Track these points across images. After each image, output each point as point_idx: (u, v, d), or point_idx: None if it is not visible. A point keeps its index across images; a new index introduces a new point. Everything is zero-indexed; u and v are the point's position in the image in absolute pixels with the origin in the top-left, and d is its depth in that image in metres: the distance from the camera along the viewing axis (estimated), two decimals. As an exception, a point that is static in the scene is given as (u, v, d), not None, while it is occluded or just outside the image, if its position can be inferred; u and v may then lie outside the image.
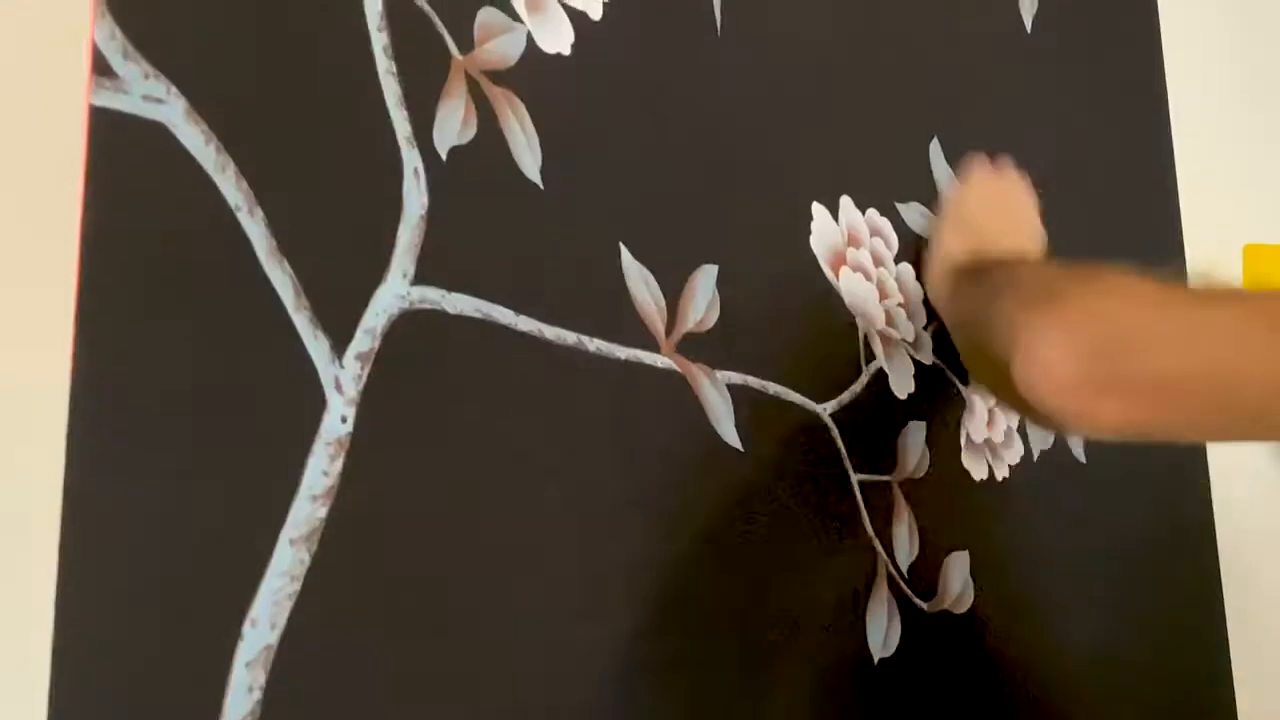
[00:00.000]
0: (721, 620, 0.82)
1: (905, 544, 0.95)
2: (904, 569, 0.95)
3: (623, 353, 0.79)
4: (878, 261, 0.97)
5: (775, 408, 0.88)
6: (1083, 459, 1.13)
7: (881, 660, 0.91)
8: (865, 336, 0.95)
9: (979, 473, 1.02)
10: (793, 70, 0.94)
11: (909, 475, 0.96)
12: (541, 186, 0.76)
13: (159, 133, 0.60)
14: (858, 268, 0.95)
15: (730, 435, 0.84)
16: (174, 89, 0.61)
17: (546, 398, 0.75)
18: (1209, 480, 1.27)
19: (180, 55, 0.61)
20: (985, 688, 0.98)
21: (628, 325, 0.80)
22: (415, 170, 0.70)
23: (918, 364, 0.99)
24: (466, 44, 0.74)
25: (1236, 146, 1.41)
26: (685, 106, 0.86)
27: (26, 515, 0.55)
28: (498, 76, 0.75)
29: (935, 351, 1.01)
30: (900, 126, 1.03)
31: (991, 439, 1.04)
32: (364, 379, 0.66)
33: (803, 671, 0.86)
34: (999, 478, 1.04)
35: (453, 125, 0.72)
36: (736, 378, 0.85)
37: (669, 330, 0.82)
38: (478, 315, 0.72)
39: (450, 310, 0.71)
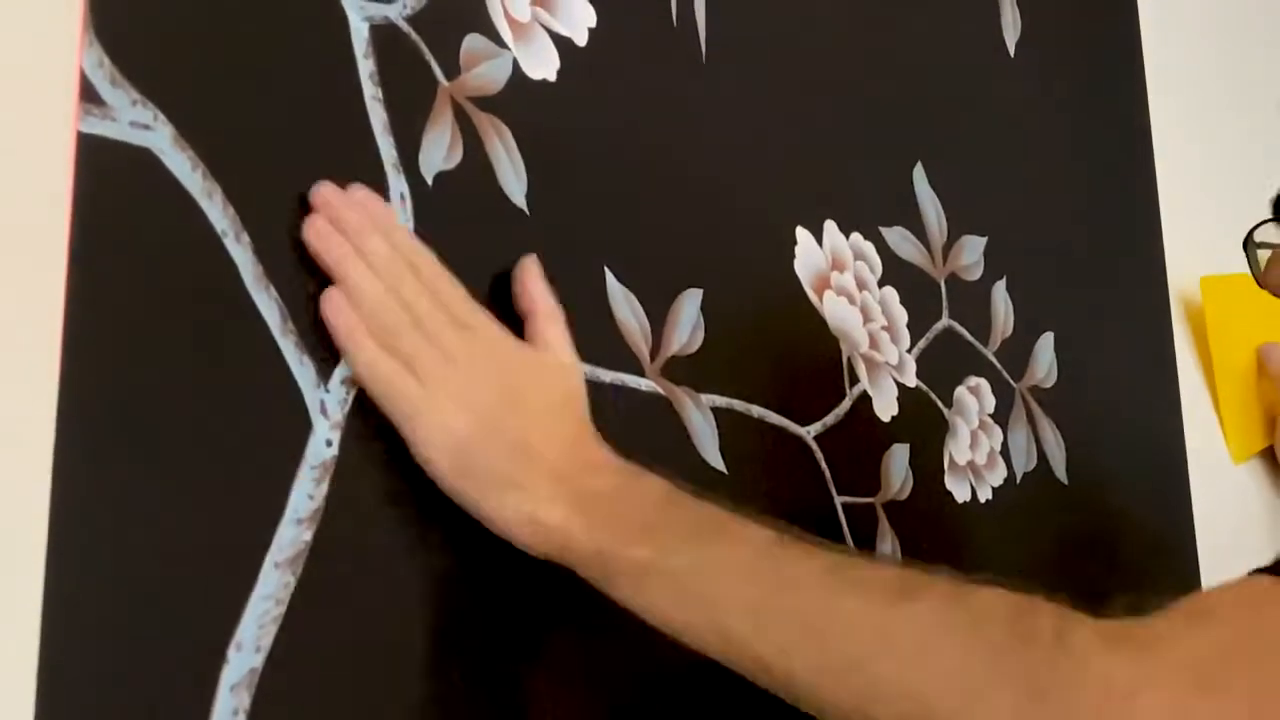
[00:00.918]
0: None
1: (889, 565, 0.95)
2: (887, 591, 0.95)
3: (607, 376, 0.79)
4: (861, 285, 0.98)
5: (759, 430, 0.88)
6: (1065, 480, 1.13)
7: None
8: (849, 359, 0.96)
9: (962, 494, 1.02)
10: (777, 96, 0.95)
11: (892, 497, 0.96)
12: (527, 211, 0.76)
13: (146, 159, 0.60)
14: (841, 291, 0.96)
15: (714, 458, 0.84)
16: (161, 115, 0.61)
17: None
18: (1190, 501, 1.28)
19: (167, 82, 0.62)
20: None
21: (612, 348, 0.80)
22: (401, 195, 0.70)
23: (901, 386, 0.99)
24: (453, 70, 0.74)
25: (1219, 171, 1.42)
26: (669, 132, 0.86)
27: (12, 539, 0.55)
28: (484, 102, 0.75)
29: (919, 374, 1.01)
30: (884, 151, 1.03)
31: (975, 461, 1.05)
32: (349, 403, 0.66)
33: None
34: (982, 499, 1.04)
35: (439, 151, 0.72)
36: (721, 401, 0.86)
37: (654, 354, 0.82)
38: (463, 339, 0.72)
39: (436, 334, 0.71)
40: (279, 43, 0.67)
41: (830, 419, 0.93)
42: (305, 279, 0.65)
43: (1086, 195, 1.24)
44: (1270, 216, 0.97)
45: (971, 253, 1.09)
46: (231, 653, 0.60)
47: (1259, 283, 1.00)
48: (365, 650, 0.66)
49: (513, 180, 0.76)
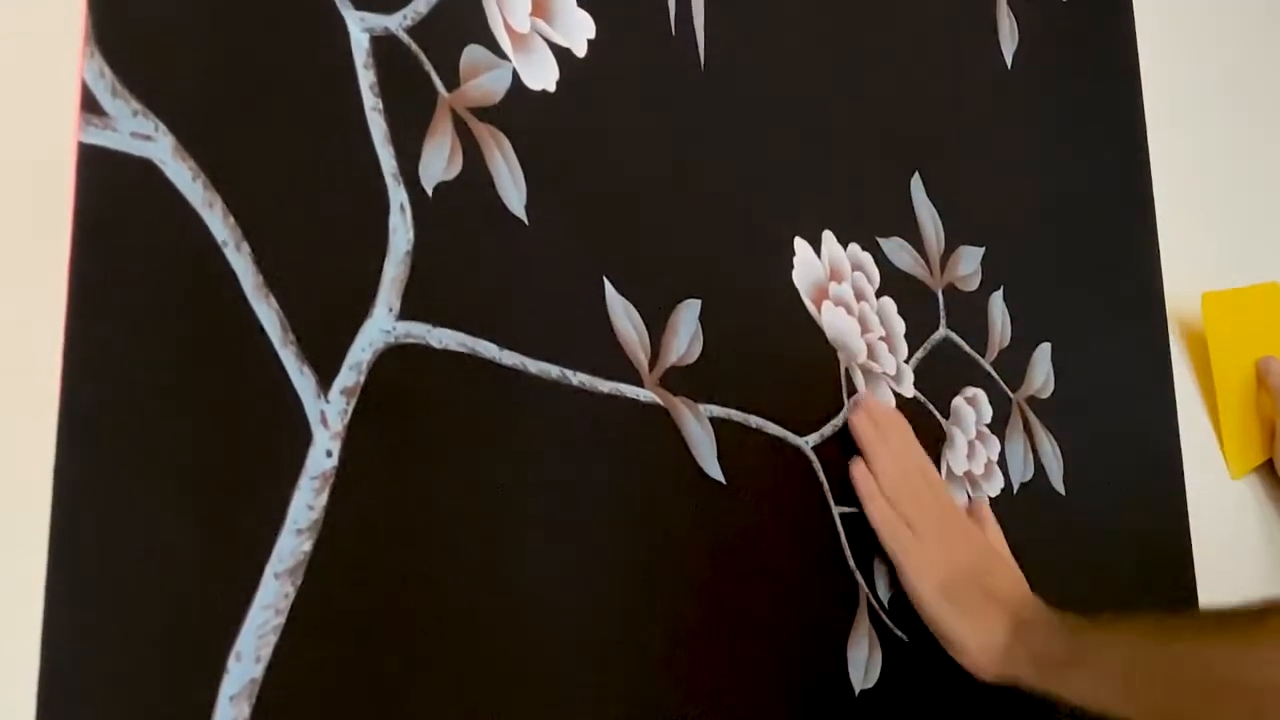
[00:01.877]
0: (703, 652, 0.82)
1: (886, 575, 0.95)
2: (885, 600, 0.95)
3: (606, 386, 0.79)
4: (859, 295, 0.98)
5: (757, 440, 0.88)
6: (1062, 491, 1.13)
7: (862, 692, 0.91)
8: (847, 369, 0.96)
9: (960, 504, 1.02)
10: (775, 106, 0.95)
11: (890, 507, 0.96)
12: (526, 221, 0.76)
13: (147, 169, 0.60)
14: (839, 302, 0.96)
15: (713, 468, 0.84)
16: (162, 126, 0.61)
17: (530, 431, 0.75)
18: (1187, 513, 1.28)
19: (168, 93, 0.62)
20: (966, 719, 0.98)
21: (611, 359, 0.80)
22: (401, 206, 0.70)
23: (899, 397, 0.99)
24: (452, 81, 0.74)
25: (1217, 185, 1.42)
26: (668, 142, 0.86)
27: (13, 548, 0.55)
28: (483, 113, 0.75)
29: (916, 385, 1.01)
30: (882, 162, 1.03)
31: (972, 471, 1.05)
32: (349, 413, 0.66)
33: (783, 703, 0.86)
34: (979, 510, 1.04)
35: (439, 161, 0.72)
36: (719, 411, 0.85)
37: (652, 364, 0.82)
38: (462, 349, 0.72)
39: (435, 344, 0.71)
40: (280, 54, 0.67)
41: (828, 429, 0.93)
42: (305, 289, 0.65)
43: (1083, 206, 1.24)
44: None
45: (969, 263, 1.09)
46: (231, 663, 0.60)
47: None
48: (364, 661, 0.65)
49: (512, 190, 0.76)
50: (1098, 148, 1.28)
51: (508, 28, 0.77)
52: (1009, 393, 1.11)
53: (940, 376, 1.04)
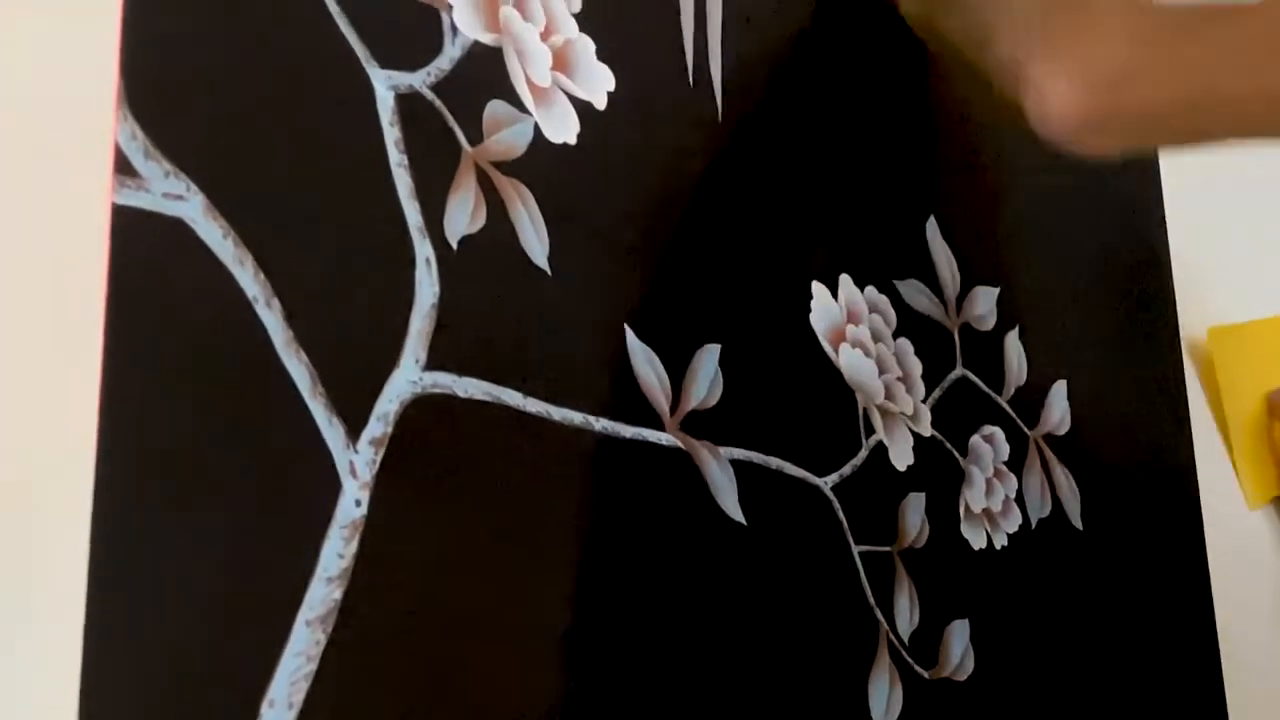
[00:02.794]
0: (725, 691, 0.82)
1: (906, 613, 0.96)
2: (905, 637, 0.95)
3: (628, 431, 0.80)
4: (877, 337, 0.98)
5: (777, 482, 0.89)
6: (1080, 526, 1.14)
7: (884, 729, 0.92)
8: (865, 410, 0.96)
9: (978, 542, 1.03)
10: (791, 154, 0.95)
11: (909, 545, 0.97)
12: (549, 271, 0.77)
13: (179, 228, 0.61)
14: (857, 343, 0.96)
15: (734, 510, 0.85)
16: (193, 186, 0.62)
17: (554, 477, 0.76)
18: (1205, 546, 1.28)
19: (199, 153, 0.63)
20: (986, 754, 0.99)
21: (633, 405, 0.81)
22: (427, 259, 0.71)
23: (917, 437, 1.00)
24: (476, 136, 0.75)
25: (1230, 219, 1.42)
26: (687, 191, 0.87)
27: (48, 601, 0.56)
28: (506, 167, 0.76)
29: (934, 424, 1.01)
30: (897, 206, 1.04)
31: (990, 508, 1.05)
32: (377, 463, 0.67)
33: (807, 741, 0.87)
34: (998, 546, 1.05)
35: (463, 215, 0.73)
36: (740, 453, 0.86)
37: (674, 408, 0.83)
38: (487, 398, 0.73)
39: (461, 394, 0.72)
40: (307, 113, 0.68)
41: (847, 469, 0.94)
42: (334, 342, 0.66)
43: (1097, 244, 1.25)
44: None
45: (984, 303, 1.09)
46: (265, 710, 0.61)
47: None
48: (395, 707, 0.66)
49: (535, 242, 0.77)
50: (1110, 186, 1.29)
51: (529, 83, 0.78)
52: (1026, 430, 1.11)
53: (958, 415, 1.04)
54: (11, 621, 0.55)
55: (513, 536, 0.73)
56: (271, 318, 0.64)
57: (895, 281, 1.01)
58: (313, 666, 0.63)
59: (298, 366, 0.65)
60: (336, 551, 0.65)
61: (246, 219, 0.64)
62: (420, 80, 0.73)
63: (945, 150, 1.10)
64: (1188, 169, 1.36)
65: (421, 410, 0.70)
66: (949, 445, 1.03)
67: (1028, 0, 0.76)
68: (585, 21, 0.82)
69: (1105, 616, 1.13)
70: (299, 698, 0.62)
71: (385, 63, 0.71)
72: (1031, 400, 1.13)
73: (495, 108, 0.76)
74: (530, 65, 0.78)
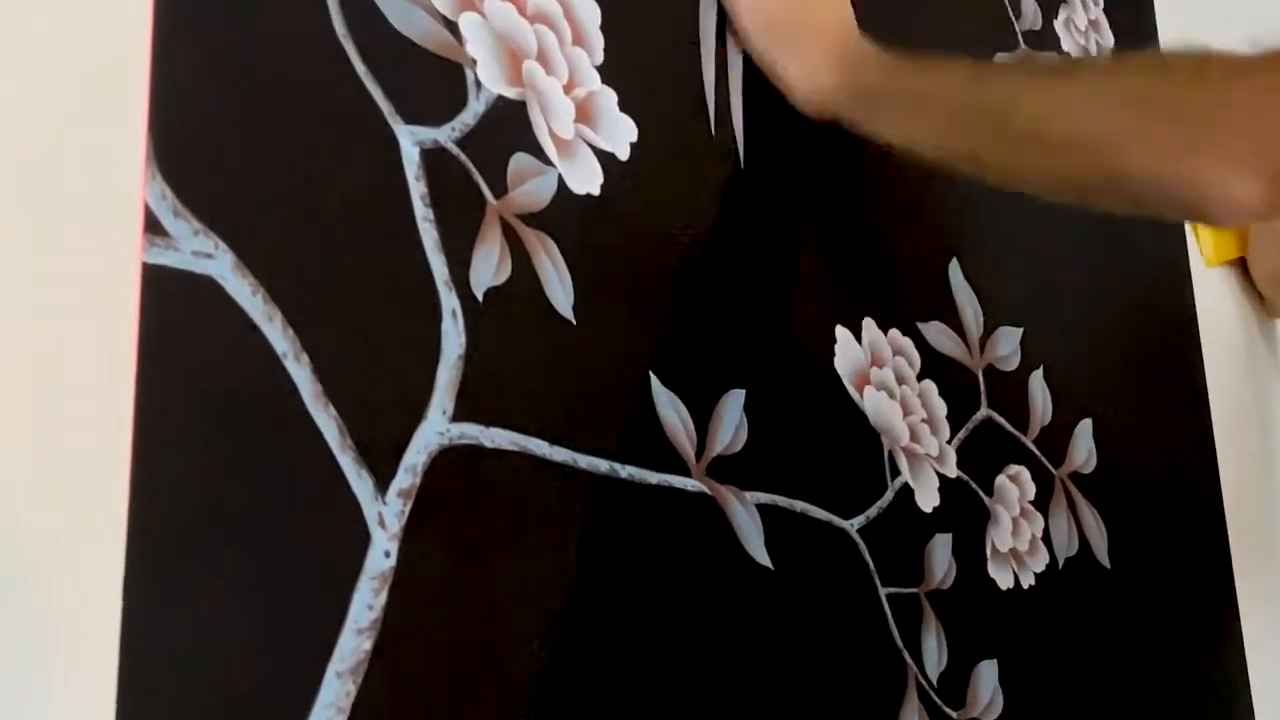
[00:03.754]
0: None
1: (934, 654, 0.95)
2: (933, 679, 0.95)
3: (654, 478, 0.80)
4: (900, 379, 0.98)
5: (804, 526, 0.89)
6: (1107, 564, 1.13)
7: (913, 770, 0.91)
8: (890, 453, 0.96)
9: (1005, 582, 1.02)
10: (814, 197, 0.96)
11: (936, 586, 0.97)
12: (574, 321, 0.77)
13: (208, 286, 0.62)
14: (881, 386, 0.96)
15: (760, 554, 0.85)
16: (222, 244, 0.62)
17: (581, 525, 0.76)
18: (1234, 583, 1.27)
19: (228, 211, 0.63)
20: (1016, 794, 0.98)
21: (659, 451, 0.81)
22: (453, 311, 0.71)
23: (943, 478, 1.00)
24: (500, 188, 0.75)
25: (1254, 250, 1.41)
26: (710, 238, 0.87)
27: (84, 650, 0.56)
28: (531, 218, 0.76)
29: (959, 464, 1.01)
30: (920, 248, 1.04)
31: (1017, 548, 1.05)
32: (406, 514, 0.67)
33: (836, 784, 0.86)
34: (1025, 586, 1.04)
35: (488, 267, 0.74)
36: (765, 498, 0.86)
37: (699, 454, 0.83)
38: (514, 448, 0.73)
39: (488, 444, 0.72)
40: (334, 170, 0.68)
41: (873, 511, 0.94)
42: (362, 395, 0.67)
43: (1121, 283, 1.25)
44: None
45: (1008, 344, 1.09)
46: (296, 761, 0.61)
47: None
48: (425, 756, 0.66)
49: (559, 292, 0.77)
50: (1132, 224, 1.29)
51: (553, 135, 0.78)
52: (1051, 469, 1.11)
53: (983, 456, 1.04)
54: (45, 672, 0.56)
55: (541, 585, 0.73)
56: (301, 372, 0.64)
57: (919, 324, 1.01)
58: (344, 718, 0.63)
59: (326, 420, 0.65)
60: (366, 603, 0.65)
61: (275, 275, 0.64)
62: (445, 135, 0.73)
63: (968, 191, 1.10)
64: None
65: (449, 461, 0.70)
66: (975, 485, 1.03)
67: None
68: (608, 73, 0.82)
69: (1134, 655, 1.12)
70: (330, 749, 0.62)
71: (410, 118, 0.72)
72: (1057, 439, 1.13)
73: (519, 160, 0.77)
74: (554, 118, 0.79)
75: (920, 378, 1.00)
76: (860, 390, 0.95)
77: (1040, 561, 1.07)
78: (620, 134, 0.83)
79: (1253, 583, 1.29)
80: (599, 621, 0.75)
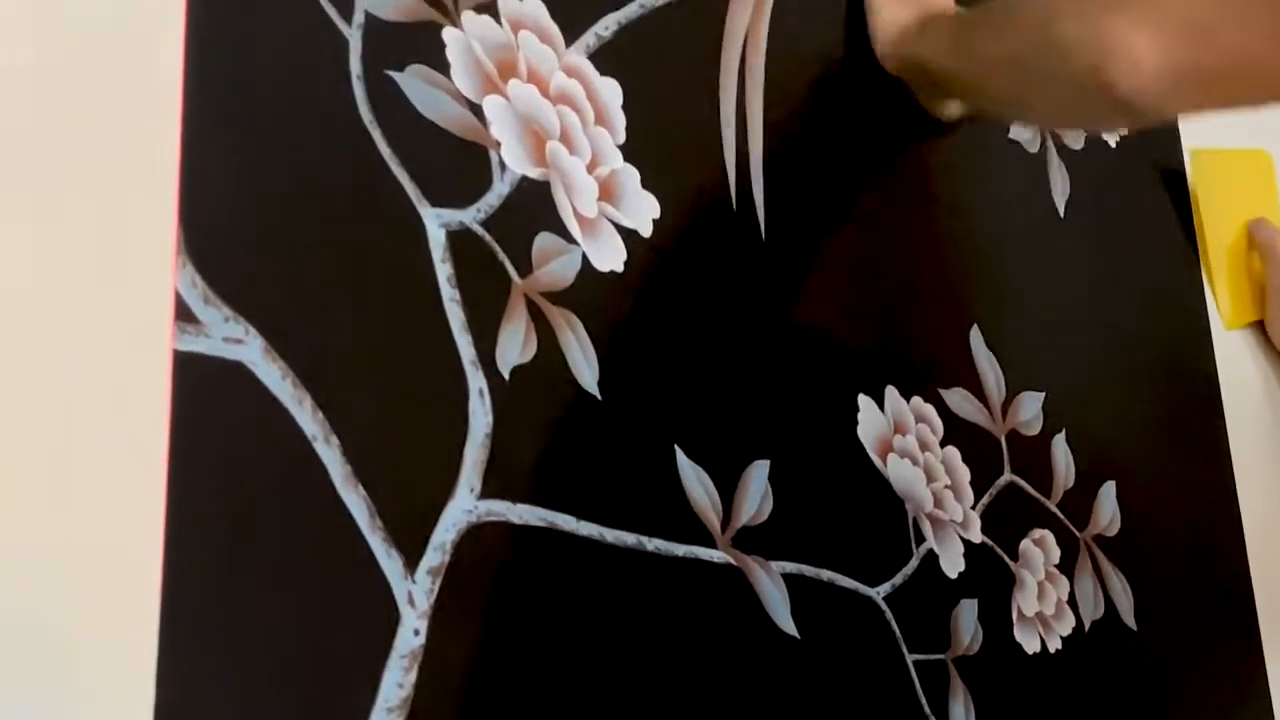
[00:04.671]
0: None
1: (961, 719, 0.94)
2: (961, 744, 0.94)
3: (680, 550, 0.80)
4: (924, 446, 0.98)
5: (830, 594, 0.88)
6: (1134, 627, 1.12)
7: (943, 837, 0.90)
8: (914, 519, 0.95)
9: (1032, 646, 1.02)
10: (835, 268, 0.96)
11: (963, 652, 0.96)
12: (599, 397, 0.77)
13: (239, 371, 0.62)
14: (905, 454, 0.96)
15: (787, 624, 0.84)
16: (252, 330, 0.63)
17: (609, 598, 0.75)
18: (1260, 643, 1.26)
19: (257, 297, 0.63)
20: None
21: (685, 523, 0.80)
22: (480, 390, 0.72)
23: (967, 543, 0.99)
24: (525, 268, 0.75)
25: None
26: (734, 311, 0.87)
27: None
28: (556, 296, 0.77)
29: (983, 530, 1.01)
30: (941, 315, 1.04)
31: (1043, 612, 1.04)
32: (435, 592, 0.67)
33: None
34: (1052, 650, 1.03)
35: (514, 345, 0.74)
36: (791, 567, 0.86)
37: (724, 525, 0.82)
38: (542, 524, 0.73)
39: (516, 521, 0.72)
40: (361, 254, 0.68)
41: (899, 578, 0.93)
42: (391, 475, 0.67)
43: (1142, 346, 1.24)
44: None
45: (1030, 408, 1.08)
46: (328, 842, 0.61)
47: None
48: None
49: (585, 368, 0.77)
50: (1153, 288, 1.28)
51: (577, 214, 0.79)
52: (1076, 532, 1.10)
53: (1007, 520, 1.03)
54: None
55: (570, 659, 0.72)
56: (330, 454, 0.65)
57: (941, 390, 1.01)
58: (375, 796, 0.63)
59: (356, 500, 0.65)
60: (396, 681, 0.65)
61: (305, 359, 0.64)
62: (471, 217, 0.73)
63: (988, 258, 1.10)
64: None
65: (477, 538, 0.70)
66: (999, 550, 1.02)
67: None
68: (630, 151, 0.83)
69: (1161, 717, 1.11)
70: (362, 829, 0.62)
71: (436, 201, 0.72)
72: (1081, 502, 1.12)
73: (544, 240, 0.77)
74: (577, 197, 0.79)
75: (943, 444, 1.00)
76: (884, 458, 0.94)
77: (1066, 625, 1.06)
78: (643, 211, 0.83)
79: (1279, 637, 1.28)
80: (630, 694, 0.75)
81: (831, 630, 0.87)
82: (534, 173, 0.77)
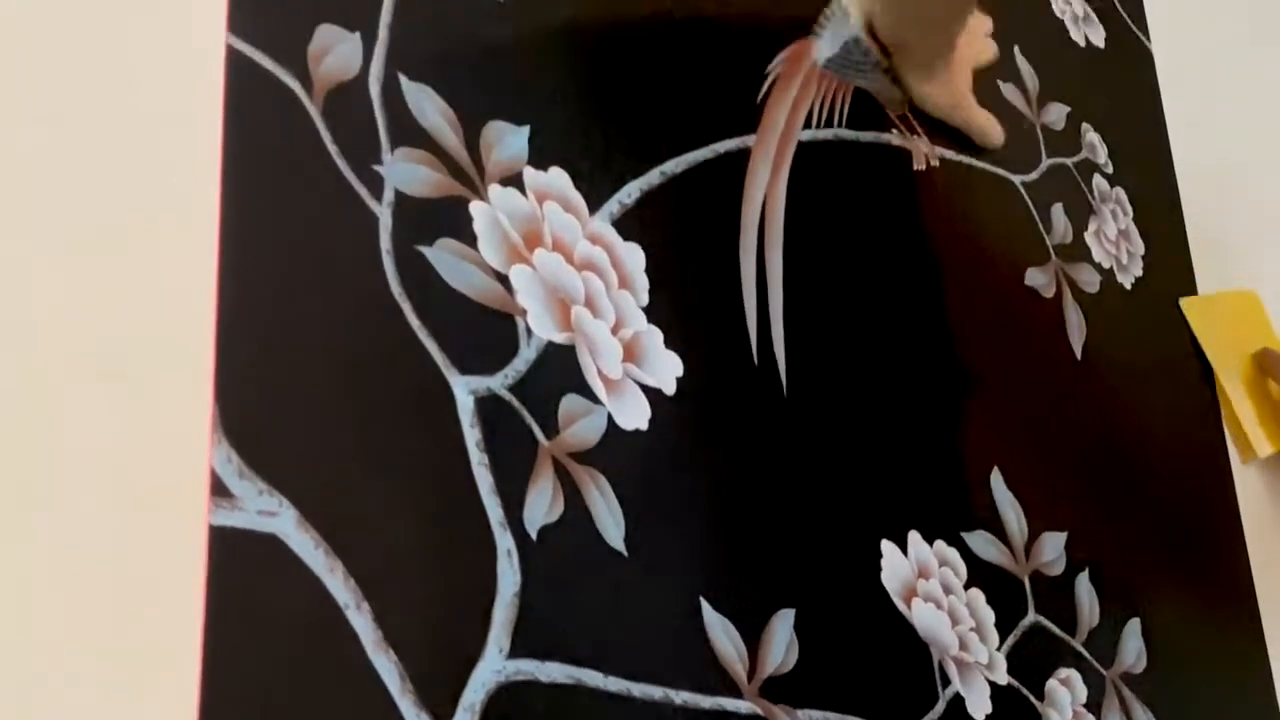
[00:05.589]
0: None
1: None
2: None
3: (707, 702, 0.79)
4: (948, 590, 0.97)
5: (857, 741, 0.88)
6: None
7: None
8: (940, 662, 0.95)
9: (1060, 786, 1.01)
10: (856, 418, 0.96)
11: (992, 795, 0.95)
12: (625, 554, 0.78)
13: (272, 543, 0.63)
14: (929, 598, 0.96)
15: (815, 772, 0.84)
16: (285, 501, 0.63)
17: (637, 753, 0.75)
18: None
19: (291, 470, 0.64)
20: None
21: (711, 675, 0.80)
22: (508, 551, 0.72)
23: (993, 685, 0.98)
24: (552, 429, 0.76)
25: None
26: (756, 464, 0.88)
27: None
28: (582, 456, 0.77)
29: (1009, 671, 1.00)
30: (962, 460, 1.04)
31: (1070, 749, 1.03)
32: (465, 754, 0.67)
33: None
34: (1081, 789, 1.02)
35: (541, 506, 0.74)
36: (818, 714, 0.85)
37: (751, 675, 0.82)
38: (570, 681, 0.73)
39: (544, 679, 0.72)
40: (393, 424, 0.69)
41: (925, 722, 0.93)
42: (421, 639, 0.67)
43: (1161, 482, 1.24)
44: None
45: (1053, 549, 1.08)
46: None
47: None
48: None
49: (611, 525, 0.77)
50: (1170, 424, 1.28)
51: (601, 375, 0.80)
52: (1102, 671, 1.09)
53: (1033, 660, 1.03)
54: None
55: (597, 817, 0.72)
56: (362, 620, 0.65)
57: (963, 534, 1.01)
58: None
59: (387, 665, 0.65)
60: (427, 843, 0.65)
61: (336, 528, 0.65)
62: (498, 383, 0.74)
63: (1007, 402, 1.10)
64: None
65: (506, 698, 0.70)
66: (1026, 691, 1.01)
67: None
68: (653, 312, 0.84)
69: None
70: None
71: (465, 369, 0.73)
72: (1106, 640, 1.11)
73: (570, 402, 0.78)
74: (602, 359, 0.80)
75: (967, 586, 0.99)
76: (908, 603, 0.94)
77: (1094, 760, 1.05)
78: (666, 370, 0.84)
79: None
80: None
81: (859, 777, 0.87)
82: (559, 337, 0.78)
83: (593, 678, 0.74)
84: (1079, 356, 1.18)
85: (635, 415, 0.81)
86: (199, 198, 0.65)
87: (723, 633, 0.81)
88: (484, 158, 0.77)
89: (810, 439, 0.92)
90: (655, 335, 0.83)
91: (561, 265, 0.79)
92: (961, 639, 0.97)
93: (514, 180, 0.78)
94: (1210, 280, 1.38)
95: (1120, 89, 1.40)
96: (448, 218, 0.75)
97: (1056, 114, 1.27)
